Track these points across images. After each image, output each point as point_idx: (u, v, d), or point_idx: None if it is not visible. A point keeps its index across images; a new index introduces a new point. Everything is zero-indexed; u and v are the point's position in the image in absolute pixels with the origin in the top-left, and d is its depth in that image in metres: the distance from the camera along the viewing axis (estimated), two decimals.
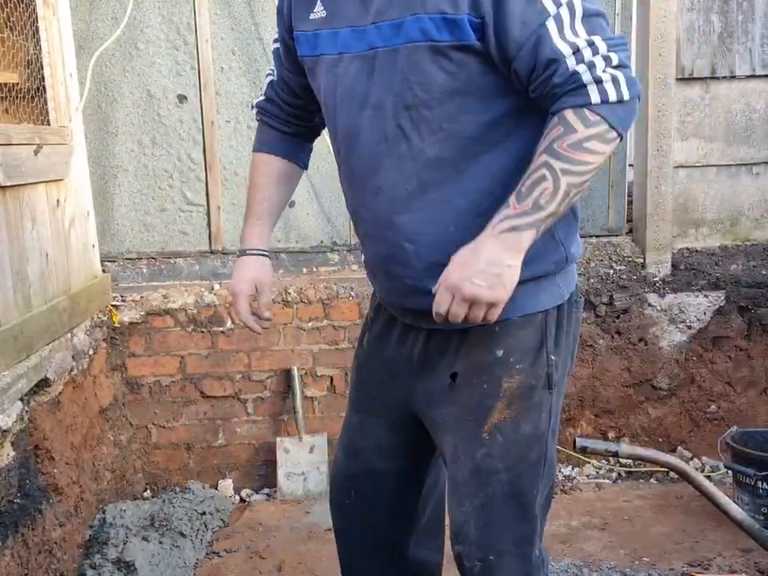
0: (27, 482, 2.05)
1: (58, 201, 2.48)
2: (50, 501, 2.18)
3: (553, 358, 1.36)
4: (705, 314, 3.18)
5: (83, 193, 2.74)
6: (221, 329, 2.99)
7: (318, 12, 1.33)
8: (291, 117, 1.58)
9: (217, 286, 3.03)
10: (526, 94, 1.23)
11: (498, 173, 1.27)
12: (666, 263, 3.20)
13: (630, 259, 3.23)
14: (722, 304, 3.17)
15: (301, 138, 1.62)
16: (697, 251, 3.28)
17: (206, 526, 2.62)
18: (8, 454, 1.94)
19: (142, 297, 2.96)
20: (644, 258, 3.21)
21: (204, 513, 2.67)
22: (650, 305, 3.16)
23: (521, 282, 1.21)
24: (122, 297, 2.95)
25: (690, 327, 3.18)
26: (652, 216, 3.17)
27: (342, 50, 1.31)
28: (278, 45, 1.53)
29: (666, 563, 2.39)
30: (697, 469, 2.96)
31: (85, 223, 2.74)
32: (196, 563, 2.44)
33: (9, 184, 2.08)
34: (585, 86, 1.15)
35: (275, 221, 1.62)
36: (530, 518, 1.37)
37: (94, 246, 2.83)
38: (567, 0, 1.16)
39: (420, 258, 1.31)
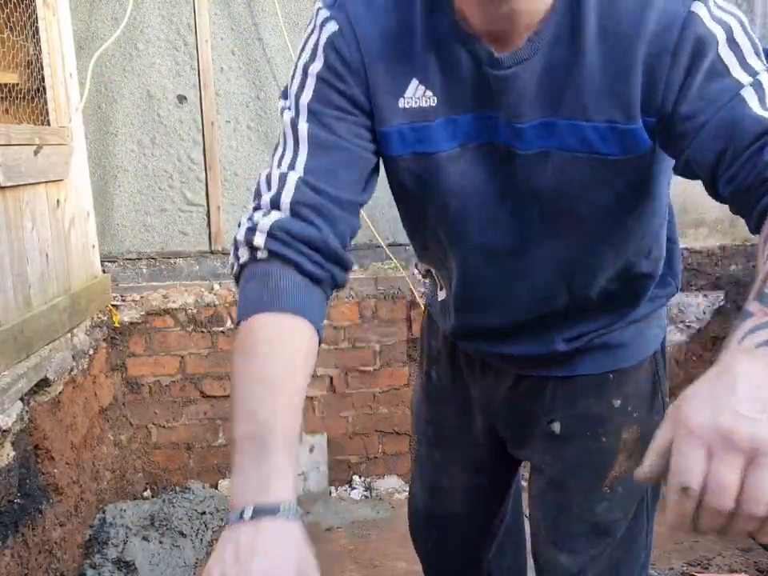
0: (27, 481, 2.05)
1: (58, 201, 2.48)
2: (50, 501, 2.18)
3: (667, 400, 1.25)
4: (704, 313, 3.18)
5: (83, 193, 2.75)
6: (221, 329, 2.99)
7: (419, 98, 1.00)
8: (336, 240, 0.97)
9: (217, 286, 3.03)
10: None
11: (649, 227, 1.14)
12: None
13: None
14: (721, 304, 3.18)
15: (329, 284, 1.00)
16: (696, 251, 3.28)
17: (206, 525, 2.63)
18: (8, 454, 1.94)
19: (141, 297, 2.97)
20: None
21: (204, 512, 2.67)
22: None
23: (634, 322, 1.15)
24: (122, 297, 2.95)
25: (689, 327, 3.19)
26: None
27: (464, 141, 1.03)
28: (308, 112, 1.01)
29: (666, 562, 2.40)
30: None
31: (85, 223, 2.75)
32: (196, 563, 2.44)
33: (9, 184, 2.09)
34: None
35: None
36: (644, 546, 1.32)
37: (94, 247, 2.84)
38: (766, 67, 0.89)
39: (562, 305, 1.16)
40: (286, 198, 0.96)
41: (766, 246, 0.85)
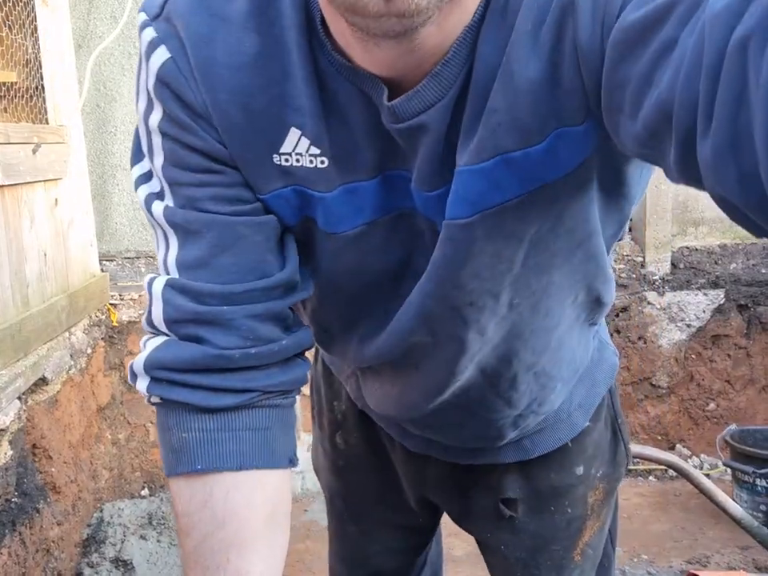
0: (25, 480, 2.05)
1: (56, 200, 2.48)
2: (48, 499, 2.18)
3: (628, 442, 1.14)
4: (704, 312, 3.18)
5: (82, 192, 2.75)
6: None
7: (300, 154, 0.72)
8: (243, 344, 0.74)
9: None
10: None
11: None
12: (665, 262, 3.20)
13: (630, 258, 3.23)
14: (721, 302, 3.18)
15: (262, 400, 0.77)
16: (696, 250, 3.28)
17: None
18: (5, 453, 1.94)
19: (140, 296, 2.96)
20: (643, 257, 3.21)
21: None
22: (649, 303, 3.16)
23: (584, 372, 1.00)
24: (120, 296, 2.95)
25: (689, 326, 3.18)
26: (651, 215, 3.17)
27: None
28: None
29: (665, 561, 2.40)
30: (695, 467, 2.96)
31: (83, 222, 2.75)
32: None
33: (7, 183, 2.09)
34: None
35: None
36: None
37: (92, 245, 2.84)
38: None
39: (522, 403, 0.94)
40: (158, 316, 0.73)
41: None
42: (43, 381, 2.18)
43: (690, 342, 3.20)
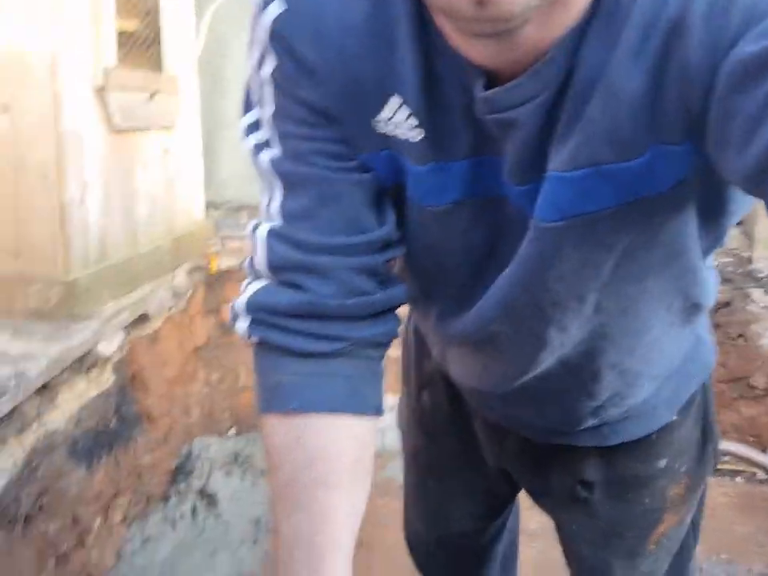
0: (123, 407, 2.19)
1: (168, 148, 2.59)
2: (143, 427, 2.32)
3: (718, 443, 1.11)
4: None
5: (192, 141, 2.86)
6: None
7: (399, 123, 0.71)
8: (340, 295, 0.75)
9: None
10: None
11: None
12: None
13: (737, 252, 3.11)
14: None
15: (354, 352, 0.78)
16: None
17: None
18: (108, 380, 2.08)
19: (240, 245, 3.07)
20: (751, 252, 3.08)
21: None
22: (753, 301, 3.04)
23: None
24: (222, 243, 3.07)
25: None
26: (762, 210, 3.03)
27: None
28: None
29: (746, 562, 2.33)
30: None
31: (192, 171, 2.86)
32: None
33: (124, 128, 2.20)
34: None
35: None
36: (691, 564, 1.23)
37: (198, 194, 2.95)
38: None
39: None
40: (261, 261, 0.75)
41: None
42: (146, 317, 2.31)
43: None
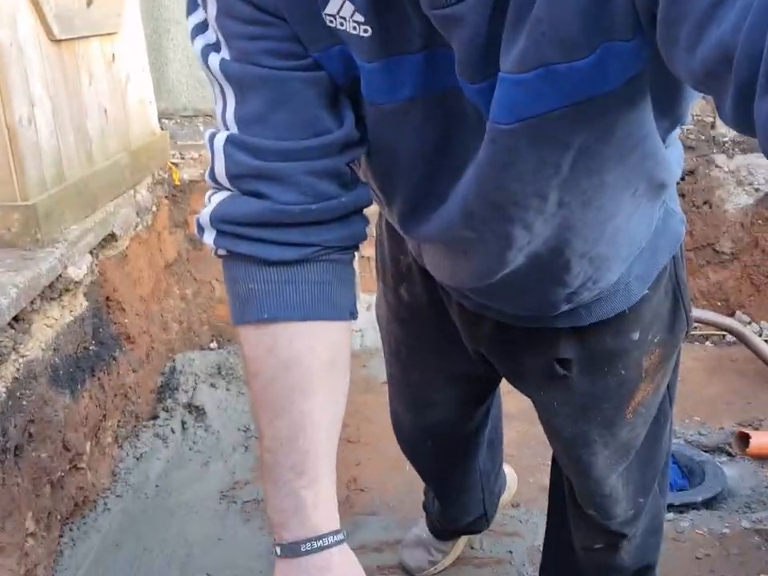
0: (101, 330, 2.16)
1: (113, 55, 2.46)
2: (123, 348, 2.31)
3: (689, 310, 1.13)
4: None
5: (137, 47, 2.71)
6: None
7: (344, 19, 0.70)
8: (303, 199, 0.74)
9: None
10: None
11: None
12: None
13: (700, 118, 3.08)
14: None
15: (322, 255, 0.78)
16: None
17: None
18: (81, 304, 2.04)
19: (200, 155, 2.97)
20: (714, 117, 3.06)
21: None
22: (717, 166, 3.04)
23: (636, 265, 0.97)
24: (180, 155, 2.97)
25: (757, 190, 3.07)
26: None
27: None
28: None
29: (717, 422, 2.43)
30: (755, 333, 2.94)
31: (140, 79, 2.73)
32: None
33: (63, 37, 2.07)
34: None
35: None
36: (664, 442, 1.28)
37: (150, 103, 2.83)
38: None
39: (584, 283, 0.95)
40: (220, 171, 0.74)
41: None
42: (112, 237, 2.25)
43: (757, 207, 3.09)
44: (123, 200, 2.40)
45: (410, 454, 1.62)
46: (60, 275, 1.87)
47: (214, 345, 3.13)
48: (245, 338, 0.77)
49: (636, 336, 1.07)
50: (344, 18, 0.69)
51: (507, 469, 1.92)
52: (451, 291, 1.11)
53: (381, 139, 0.79)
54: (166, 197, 2.89)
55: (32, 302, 1.75)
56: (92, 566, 1.86)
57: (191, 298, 3.07)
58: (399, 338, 1.32)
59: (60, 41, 2.05)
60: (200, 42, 0.74)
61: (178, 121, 3.05)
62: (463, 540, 1.86)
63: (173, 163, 2.93)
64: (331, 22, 0.70)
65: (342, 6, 0.69)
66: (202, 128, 3.05)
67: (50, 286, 1.84)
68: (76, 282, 1.95)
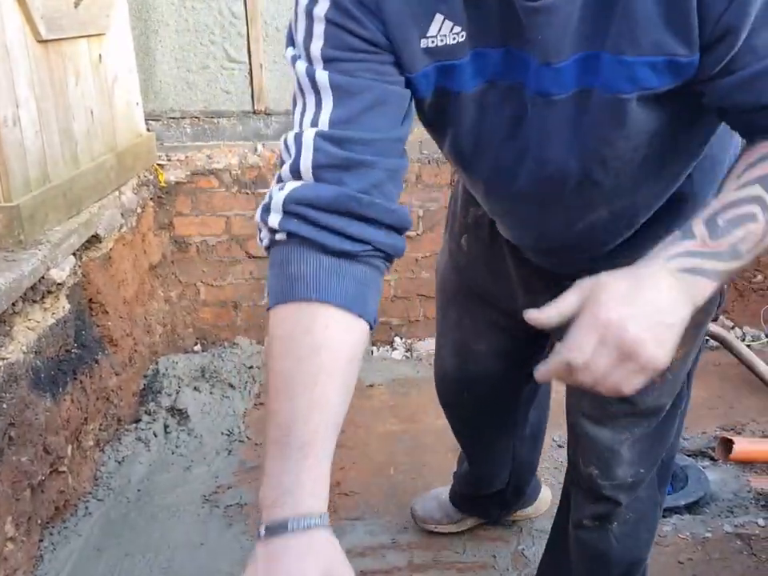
0: (83, 333, 2.14)
1: (100, 56, 2.44)
2: (106, 351, 2.29)
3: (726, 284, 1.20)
4: None
5: (125, 48, 2.70)
6: (265, 190, 2.99)
7: (445, 35, 0.87)
8: (375, 193, 0.86)
9: (260, 147, 3.01)
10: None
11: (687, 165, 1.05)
12: None
13: None
14: None
15: (372, 257, 0.88)
16: None
17: (253, 378, 2.74)
18: (63, 307, 2.02)
19: (186, 157, 2.96)
20: None
21: (252, 367, 2.78)
22: None
23: None
24: (167, 156, 2.96)
25: None
26: None
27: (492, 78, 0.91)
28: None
29: (700, 427, 2.44)
30: (737, 338, 2.96)
31: (127, 80, 2.71)
32: (245, 412, 2.57)
33: (51, 38, 2.05)
34: None
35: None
36: (674, 425, 1.34)
37: (137, 104, 2.81)
38: None
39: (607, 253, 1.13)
40: (306, 162, 0.84)
41: (749, 170, 0.85)
42: (96, 238, 2.24)
43: None
44: (108, 201, 2.39)
45: (447, 404, 1.71)
46: (42, 277, 1.86)
47: (198, 348, 3.12)
48: (283, 317, 0.83)
49: None
50: (444, 35, 0.86)
51: (546, 489, 2.00)
52: (520, 246, 1.23)
53: (466, 123, 0.95)
54: (152, 198, 2.88)
55: (14, 304, 1.74)
56: (73, 571, 1.84)
57: (175, 301, 3.05)
58: (455, 285, 1.48)
59: (47, 41, 2.04)
60: (302, 64, 0.88)
61: (165, 122, 3.04)
62: (473, 521, 1.93)
63: (159, 165, 2.92)
64: (432, 42, 0.87)
65: (441, 26, 0.86)
66: (188, 130, 3.04)
67: (33, 287, 1.82)
68: (58, 284, 1.94)
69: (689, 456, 2.23)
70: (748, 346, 2.81)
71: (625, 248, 1.11)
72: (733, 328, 3.18)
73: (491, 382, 1.54)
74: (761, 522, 1.94)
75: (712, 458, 2.25)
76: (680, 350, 1.14)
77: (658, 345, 0.78)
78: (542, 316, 0.82)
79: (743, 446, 2.19)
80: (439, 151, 3.15)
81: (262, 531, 0.76)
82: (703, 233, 0.83)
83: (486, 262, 1.36)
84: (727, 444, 2.22)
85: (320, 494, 0.79)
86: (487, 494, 1.84)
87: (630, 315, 0.78)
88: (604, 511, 1.39)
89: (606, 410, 1.29)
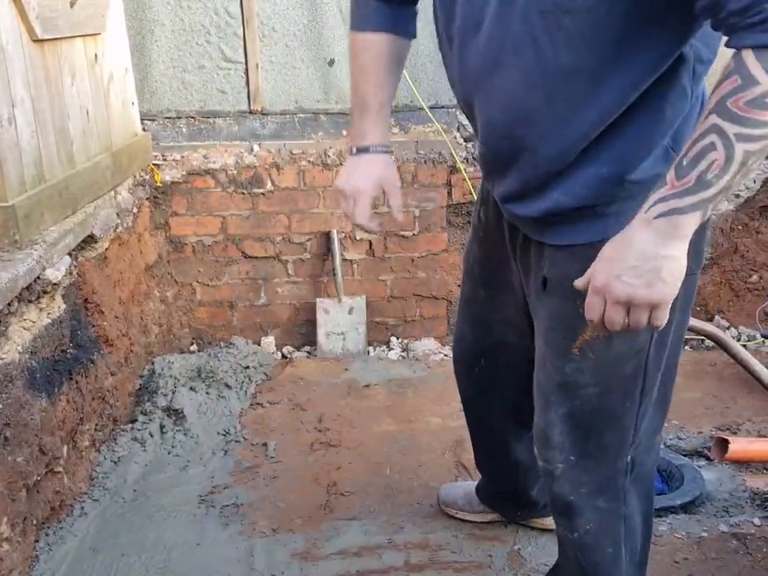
0: (79, 333, 2.14)
1: (96, 56, 2.44)
2: (101, 351, 2.28)
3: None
4: (754, 182, 3.08)
5: (121, 48, 2.69)
6: (261, 190, 2.99)
7: None
8: None
9: (256, 147, 3.01)
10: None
11: (634, 82, 1.09)
12: None
13: None
14: None
15: (406, 3, 1.39)
16: None
17: (249, 379, 2.74)
18: (59, 307, 2.01)
19: (182, 156, 2.96)
20: None
21: (248, 367, 2.78)
22: None
23: (622, 196, 1.15)
24: (162, 156, 2.95)
25: (737, 196, 3.10)
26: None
27: None
28: None
29: (696, 426, 2.45)
30: (733, 338, 2.97)
31: (123, 79, 2.71)
32: (241, 412, 2.57)
33: (46, 37, 2.05)
34: None
35: (390, 111, 1.47)
36: (619, 427, 1.32)
37: (133, 104, 2.81)
38: None
39: (537, 169, 1.19)
40: None
41: (710, 99, 0.94)
42: (92, 238, 2.23)
43: (737, 213, 3.13)
44: (104, 201, 2.39)
45: (462, 375, 1.74)
46: (38, 277, 1.85)
47: (194, 347, 3.12)
48: (361, 40, 1.40)
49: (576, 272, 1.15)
50: None
51: None
52: (499, 203, 1.35)
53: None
54: (147, 198, 2.88)
55: (9, 304, 1.73)
56: (68, 571, 1.84)
57: (171, 301, 3.05)
58: (475, 256, 1.57)
59: (42, 41, 2.04)
60: None
61: (161, 122, 3.04)
62: (493, 516, 1.96)
63: (155, 164, 2.92)
64: None
65: None
66: (184, 129, 3.04)
67: (28, 287, 1.82)
68: (54, 284, 1.93)
69: (685, 456, 2.24)
70: (744, 345, 2.82)
71: (558, 181, 1.19)
72: (728, 328, 3.19)
73: (505, 352, 1.58)
74: (756, 521, 1.94)
75: (708, 458, 2.26)
76: (599, 331, 1.15)
77: (648, 285, 0.97)
78: (579, 285, 1.06)
79: (739, 445, 2.20)
80: (435, 151, 3.19)
81: (354, 150, 1.44)
82: (672, 176, 0.95)
83: (496, 232, 1.46)
84: (723, 444, 2.22)
85: (380, 132, 1.43)
86: (499, 491, 1.87)
87: (613, 276, 0.99)
88: (560, 508, 1.40)
89: (540, 384, 1.35)
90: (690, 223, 0.95)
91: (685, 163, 0.94)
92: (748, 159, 0.92)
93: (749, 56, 0.89)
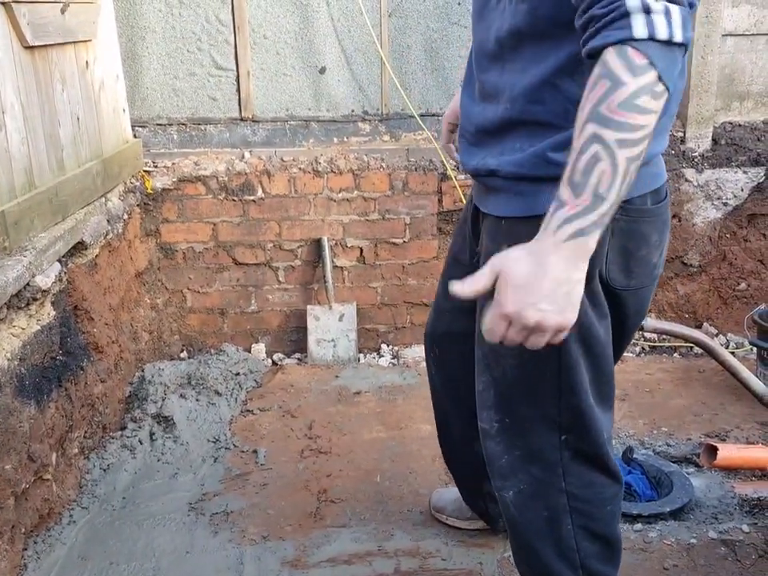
0: (68, 340, 2.13)
1: (87, 62, 2.44)
2: (91, 358, 2.28)
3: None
4: (742, 190, 3.11)
5: (112, 54, 2.70)
6: (252, 197, 2.99)
7: None
8: None
9: (247, 154, 3.01)
10: None
11: (560, 62, 1.15)
12: (706, 137, 3.10)
13: (670, 133, 3.13)
14: (761, 180, 3.10)
15: None
16: (739, 125, 3.17)
17: (240, 386, 2.73)
18: (49, 313, 2.01)
19: (173, 163, 2.96)
20: (684, 132, 3.11)
21: (238, 374, 2.77)
22: (686, 180, 3.09)
23: (545, 177, 1.16)
24: (153, 163, 2.95)
25: (726, 204, 3.13)
26: (696, 88, 3.05)
27: None
28: None
29: (684, 433, 2.46)
30: (722, 345, 2.98)
31: (114, 86, 2.71)
32: (231, 419, 2.56)
33: (37, 44, 2.05)
34: (629, 14, 0.92)
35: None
36: (537, 402, 1.33)
37: (124, 111, 2.81)
38: None
39: (481, 121, 1.30)
40: None
41: (582, 107, 0.95)
42: (82, 245, 2.23)
43: (725, 221, 3.15)
44: (94, 208, 2.38)
45: (427, 365, 1.80)
46: (28, 284, 1.85)
47: (184, 355, 3.11)
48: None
49: (505, 248, 1.11)
50: None
51: None
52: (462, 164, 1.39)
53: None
54: (138, 205, 2.87)
55: None
56: None
57: (162, 308, 3.04)
58: (449, 247, 1.65)
59: (33, 47, 2.04)
60: None
61: (152, 129, 3.03)
62: (481, 524, 1.97)
63: (145, 171, 2.92)
64: None
65: None
66: (175, 136, 3.04)
67: (18, 294, 1.81)
68: (44, 291, 1.93)
69: (674, 462, 2.25)
70: (732, 353, 2.83)
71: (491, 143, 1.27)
72: (717, 335, 3.21)
73: (456, 339, 1.60)
74: (745, 528, 1.95)
75: (697, 465, 2.27)
76: None
77: (560, 312, 0.96)
78: (461, 291, 1.00)
79: (727, 452, 2.21)
80: (426, 159, 3.21)
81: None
82: (569, 195, 0.94)
83: (464, 222, 1.52)
84: (712, 450, 2.23)
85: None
86: (467, 486, 1.90)
87: (527, 304, 0.95)
88: (496, 468, 1.41)
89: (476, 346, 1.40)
90: (594, 241, 0.95)
91: (577, 179, 0.93)
92: (630, 166, 0.93)
93: (610, 55, 0.92)
